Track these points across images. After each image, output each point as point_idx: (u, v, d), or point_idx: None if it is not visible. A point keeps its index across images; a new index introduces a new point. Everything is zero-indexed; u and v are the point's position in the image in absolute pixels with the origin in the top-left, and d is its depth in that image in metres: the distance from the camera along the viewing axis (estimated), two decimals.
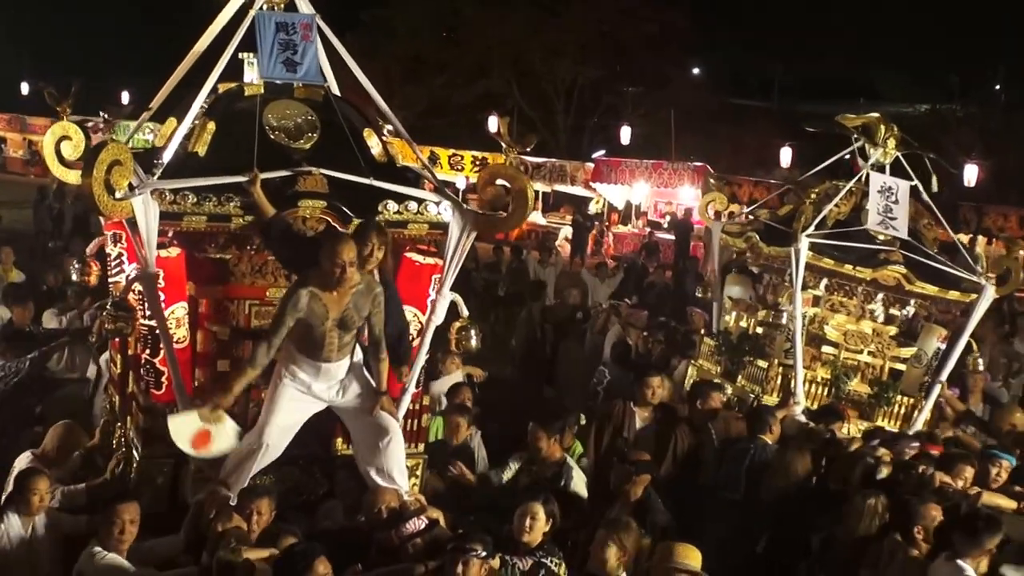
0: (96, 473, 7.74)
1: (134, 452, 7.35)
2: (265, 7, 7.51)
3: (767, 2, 41.97)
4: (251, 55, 7.60)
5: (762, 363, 10.48)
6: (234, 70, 7.76)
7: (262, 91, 7.53)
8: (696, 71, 43.70)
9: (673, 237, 27.80)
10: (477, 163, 33.12)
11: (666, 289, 18.68)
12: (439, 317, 7.44)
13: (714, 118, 38.95)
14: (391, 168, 7.56)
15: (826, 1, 40.73)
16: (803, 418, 9.67)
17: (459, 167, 33.24)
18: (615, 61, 39.93)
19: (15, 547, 6.79)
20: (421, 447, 7.84)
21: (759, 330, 10.85)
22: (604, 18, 38.91)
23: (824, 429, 9.16)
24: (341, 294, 6.65)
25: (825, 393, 10.30)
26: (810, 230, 9.92)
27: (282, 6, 7.59)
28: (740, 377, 10.68)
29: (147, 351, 7.15)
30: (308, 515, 7.34)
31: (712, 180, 24.37)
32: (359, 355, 7.08)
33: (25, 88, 45.48)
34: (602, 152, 35.13)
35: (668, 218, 30.83)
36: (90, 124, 7.63)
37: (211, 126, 7.21)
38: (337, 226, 7.02)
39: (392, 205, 7.23)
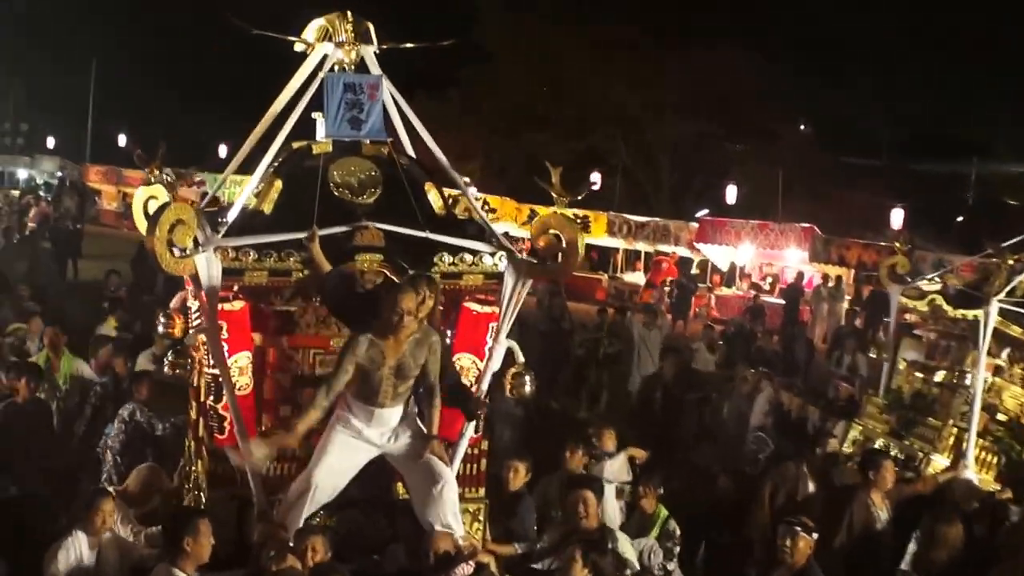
0: None
1: (202, 494, 7.79)
2: (336, 69, 8.02)
3: (874, 57, 41.63)
4: (322, 114, 8.02)
5: (935, 422, 10.79)
6: (310, 129, 8.27)
7: (330, 149, 7.98)
8: (803, 128, 43.49)
9: (781, 301, 27.88)
10: (578, 221, 33.24)
11: (775, 355, 18.56)
12: (496, 363, 7.74)
13: (822, 176, 38.62)
14: (450, 221, 7.95)
15: (939, 58, 40.23)
16: (974, 478, 10.08)
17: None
18: (719, 117, 39.86)
19: (81, 565, 7.26)
20: (482, 492, 8.14)
21: (934, 391, 11.15)
22: (704, 72, 38.76)
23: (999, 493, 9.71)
24: (398, 341, 7.04)
25: (995, 461, 10.60)
26: (1001, 295, 10.31)
27: (352, 68, 8.08)
28: (909, 436, 10.98)
29: (211, 397, 7.52)
30: (372, 559, 7.69)
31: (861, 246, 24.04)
32: (412, 405, 7.41)
33: (123, 140, 46.28)
34: (706, 212, 35.30)
35: (768, 280, 30.90)
36: (184, 180, 8.14)
37: (278, 184, 7.72)
38: (394, 278, 7.37)
39: (447, 257, 7.59)
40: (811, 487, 9.76)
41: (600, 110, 41.76)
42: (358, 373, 7.10)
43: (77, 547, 7.31)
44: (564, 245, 7.54)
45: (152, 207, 7.80)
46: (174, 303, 9.01)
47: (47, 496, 10.01)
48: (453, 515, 7.42)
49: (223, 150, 42.11)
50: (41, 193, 43.23)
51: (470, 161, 40.94)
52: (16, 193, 46.97)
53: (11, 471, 10.16)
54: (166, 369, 7.47)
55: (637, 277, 33.29)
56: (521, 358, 7.88)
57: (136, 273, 23.88)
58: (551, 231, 7.57)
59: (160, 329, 8.93)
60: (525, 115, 42.11)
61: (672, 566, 8.68)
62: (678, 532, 8.79)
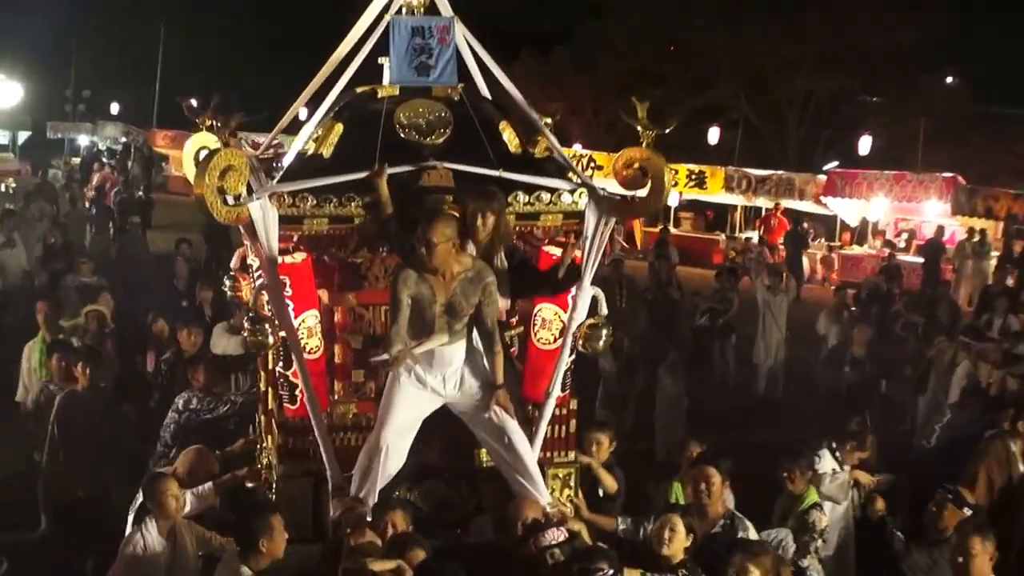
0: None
1: (273, 472, 8.01)
2: (404, 11, 8.11)
3: None
4: (388, 59, 8.13)
5: None
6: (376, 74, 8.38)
7: (396, 93, 8.03)
8: (951, 80, 42.80)
9: (919, 259, 27.56)
10: (693, 178, 33.59)
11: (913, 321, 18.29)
12: (580, 313, 7.76)
13: (967, 127, 38.20)
14: (526, 160, 7.96)
15: None
16: None
17: (672, 182, 33.31)
18: (858, 72, 39.68)
19: (155, 556, 7.49)
20: (572, 455, 8.28)
21: None
22: (849, 27, 38.71)
23: None
24: (448, 279, 7.16)
25: None
26: None
27: (422, 10, 8.16)
28: None
29: (280, 363, 7.75)
30: (459, 532, 7.90)
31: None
32: (479, 345, 7.47)
33: (193, 104, 46.81)
34: (835, 164, 35.00)
35: (904, 236, 30.51)
36: (232, 128, 8.33)
37: (338, 127, 7.80)
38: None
39: (522, 196, 7.64)
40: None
41: (725, 67, 41.71)
42: (413, 311, 7.20)
43: (149, 536, 7.52)
44: (649, 180, 7.51)
45: None
46: (234, 262, 9.18)
47: (114, 493, 10.33)
48: (533, 470, 7.58)
49: (303, 113, 42.47)
50: (104, 160, 43.85)
51: (578, 117, 41.13)
52: (78, 161, 48.05)
53: (76, 470, 10.53)
54: (246, 336, 7.51)
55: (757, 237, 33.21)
56: (604, 309, 7.85)
57: (210, 243, 24.42)
58: (635, 165, 7.53)
59: (228, 293, 9.21)
60: (641, 74, 41.77)
61: (807, 562, 8.39)
62: (820, 524, 8.56)
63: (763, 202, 33.10)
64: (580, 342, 7.81)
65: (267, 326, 7.34)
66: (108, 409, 11.11)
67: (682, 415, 13.76)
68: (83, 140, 56.89)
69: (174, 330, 12.36)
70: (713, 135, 37.95)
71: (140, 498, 7.94)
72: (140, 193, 31.31)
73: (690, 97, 41.12)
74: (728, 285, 18.72)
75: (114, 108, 57.33)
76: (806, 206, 32.36)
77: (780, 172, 33.89)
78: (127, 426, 11.41)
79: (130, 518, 8.12)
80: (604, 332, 7.80)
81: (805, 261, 29.70)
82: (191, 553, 7.70)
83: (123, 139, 52.31)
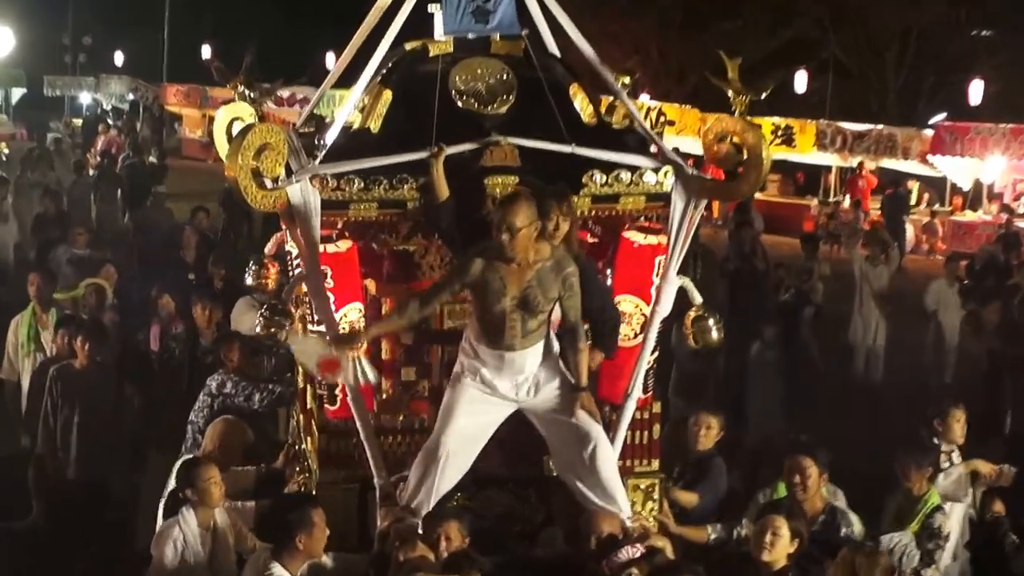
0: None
1: (313, 478, 8.04)
2: None
3: None
4: (440, 7, 8.03)
5: None
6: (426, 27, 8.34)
7: (451, 49, 8.01)
8: None
9: None
10: (779, 134, 33.20)
11: None
12: (665, 307, 7.75)
13: None
14: (603, 132, 7.91)
15: None
16: None
17: None
18: (964, 0, 39.23)
19: (197, 551, 7.52)
20: (655, 464, 8.25)
21: None
22: None
23: None
24: (522, 268, 7.11)
25: None
26: None
27: None
28: None
29: None
30: (527, 545, 7.86)
31: None
32: (555, 347, 7.47)
33: (206, 52, 46.22)
34: (943, 116, 34.59)
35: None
36: (270, 94, 8.35)
37: (387, 95, 7.76)
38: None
39: (599, 176, 7.60)
40: None
41: None
42: (479, 309, 7.25)
43: (189, 529, 7.54)
44: (745, 156, 7.44)
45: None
46: (269, 248, 9.24)
47: (107, 480, 10.69)
48: (614, 486, 7.52)
49: (330, 59, 42.39)
50: (110, 121, 44.09)
51: (640, 62, 40.72)
52: (80, 122, 48.36)
53: (70, 452, 10.71)
54: (257, 329, 7.62)
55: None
56: (698, 298, 7.85)
57: (228, 213, 24.49)
58: (729, 139, 7.48)
59: (249, 280, 9.21)
60: (710, 3, 41.48)
61: (930, 573, 8.35)
62: (945, 530, 8.52)
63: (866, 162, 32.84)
64: (690, 338, 7.87)
65: (286, 321, 7.41)
66: (108, 388, 11.13)
67: (778, 401, 13.68)
68: (85, 98, 57.39)
69: (180, 305, 12.47)
70: (800, 82, 37.72)
71: (171, 486, 8.03)
72: (151, 158, 31.44)
73: (770, 34, 41.01)
74: (808, 254, 18.68)
75: (118, 59, 57.69)
76: (910, 166, 32.11)
77: (880, 127, 33.53)
78: (130, 407, 11.50)
79: (159, 513, 8.19)
80: (712, 322, 7.82)
81: (908, 228, 29.64)
82: (232, 547, 7.75)
83: (130, 96, 52.77)
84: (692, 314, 7.88)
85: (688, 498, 8.72)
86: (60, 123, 48.53)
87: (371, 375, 7.40)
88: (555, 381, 7.46)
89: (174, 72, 51.98)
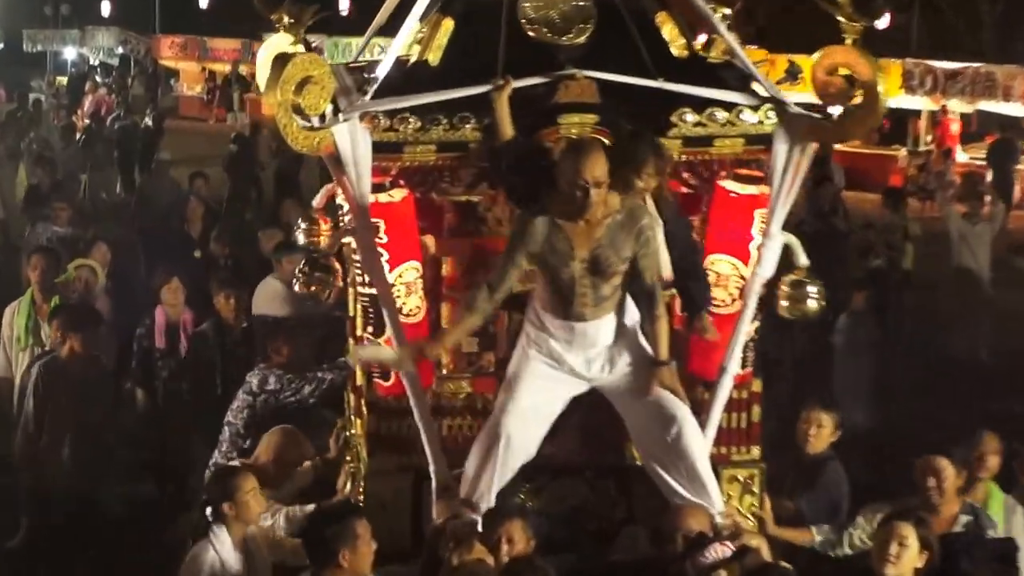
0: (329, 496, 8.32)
1: (362, 466, 7.96)
2: None
3: None
4: None
5: None
6: None
7: None
8: None
9: None
10: None
11: None
12: (766, 268, 7.60)
13: None
14: (694, 65, 7.81)
15: None
16: None
17: None
18: None
19: (232, 572, 7.36)
20: (755, 451, 8.15)
21: None
22: None
23: None
24: (590, 225, 7.01)
25: None
26: None
27: None
28: None
29: (369, 329, 7.70)
30: (604, 545, 7.79)
31: None
32: (633, 315, 7.39)
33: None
34: None
35: None
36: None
37: (447, 24, 7.67)
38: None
39: (690, 115, 7.44)
40: None
41: None
42: (543, 275, 7.18)
43: (223, 549, 7.37)
44: (858, 91, 7.27)
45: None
46: (318, 200, 8.92)
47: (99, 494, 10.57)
48: (704, 474, 7.39)
49: (344, 3, 42.66)
50: (98, 78, 44.13)
51: None
52: (64, 80, 48.40)
53: (59, 457, 10.55)
54: (297, 287, 7.56)
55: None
56: (803, 259, 7.70)
57: (232, 179, 24.44)
58: (839, 71, 7.32)
59: (301, 238, 8.87)
60: None
61: None
62: None
63: (956, 105, 32.55)
64: (784, 305, 7.70)
65: (330, 276, 7.42)
66: (103, 386, 11.06)
67: (867, 383, 13.52)
68: (69, 53, 57.43)
69: (189, 291, 12.38)
70: (882, 17, 37.05)
71: (204, 500, 7.82)
72: (147, 120, 31.45)
73: None
74: (892, 211, 18.34)
75: (105, 8, 57.60)
76: (1013, 108, 31.72)
77: (976, 64, 33.23)
78: (131, 408, 11.57)
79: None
80: (812, 289, 7.65)
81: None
82: (268, 565, 7.66)
83: (119, 50, 52.78)
84: (791, 277, 7.70)
85: (803, 536, 8.41)
86: (43, 82, 48.50)
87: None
88: (632, 354, 7.38)
89: (168, 22, 52.12)
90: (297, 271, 7.64)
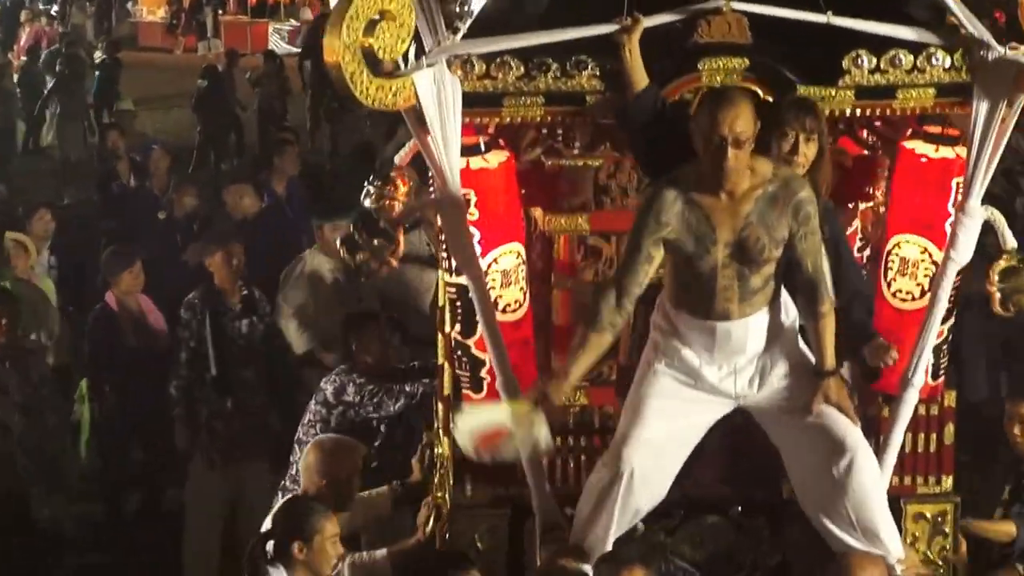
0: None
1: (447, 496, 8.42)
2: None
3: None
4: None
5: None
6: None
7: None
8: None
9: None
10: None
11: None
12: (963, 252, 8.08)
13: None
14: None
15: None
16: None
17: None
18: None
19: None
20: (947, 482, 8.56)
21: None
22: None
23: None
24: (734, 200, 7.28)
25: None
26: None
27: None
28: None
29: (457, 327, 8.14)
30: None
31: None
32: (791, 314, 7.75)
33: None
34: None
35: None
36: None
37: None
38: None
39: (866, 59, 7.79)
40: None
41: None
42: (675, 266, 7.49)
43: None
44: None
45: None
46: (402, 158, 9.41)
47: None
48: (877, 514, 7.78)
49: None
50: (41, 6, 45.44)
51: None
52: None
53: None
54: (342, 252, 8.33)
55: None
56: (1011, 240, 8.09)
57: (203, 121, 25.57)
58: None
59: (368, 203, 9.16)
60: None
61: None
62: None
63: None
64: (996, 299, 8.19)
65: (389, 245, 8.10)
66: (39, 379, 12.33)
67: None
68: None
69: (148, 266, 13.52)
70: None
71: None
72: (98, 52, 32.55)
73: None
74: None
75: None
76: None
77: None
78: (68, 403, 12.81)
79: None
80: None
81: None
82: None
83: None
84: (1001, 264, 8.12)
85: (1004, 529, 9.22)
86: None
87: (544, 438, 7.77)
88: (788, 364, 7.68)
89: None
90: (344, 235, 8.19)
